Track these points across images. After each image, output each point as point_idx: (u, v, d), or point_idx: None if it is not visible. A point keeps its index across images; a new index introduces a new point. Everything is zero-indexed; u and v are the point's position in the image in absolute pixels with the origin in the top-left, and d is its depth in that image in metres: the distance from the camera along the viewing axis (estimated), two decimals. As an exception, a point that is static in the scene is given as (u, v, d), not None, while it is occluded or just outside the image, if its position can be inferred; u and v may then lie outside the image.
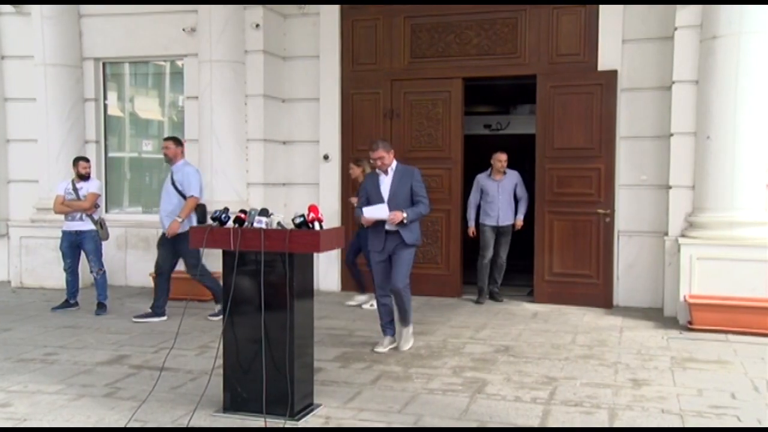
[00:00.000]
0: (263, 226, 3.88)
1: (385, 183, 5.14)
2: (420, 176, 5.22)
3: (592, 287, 7.42)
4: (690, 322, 6.14)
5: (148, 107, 9.31)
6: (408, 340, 5.42)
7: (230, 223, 3.99)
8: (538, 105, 7.61)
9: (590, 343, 5.73)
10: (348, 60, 8.30)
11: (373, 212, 5.06)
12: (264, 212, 3.99)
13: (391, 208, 5.07)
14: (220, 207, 4.24)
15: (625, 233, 7.38)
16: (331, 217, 7.89)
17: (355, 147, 8.33)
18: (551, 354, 5.36)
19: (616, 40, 7.26)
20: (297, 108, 8.43)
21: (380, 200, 5.11)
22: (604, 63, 7.32)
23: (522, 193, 7.53)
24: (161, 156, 9.04)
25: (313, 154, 8.25)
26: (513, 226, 7.27)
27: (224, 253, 3.99)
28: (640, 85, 7.23)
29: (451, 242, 8.02)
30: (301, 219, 3.87)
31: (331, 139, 8.33)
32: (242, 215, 3.97)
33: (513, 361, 5.15)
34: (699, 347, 5.54)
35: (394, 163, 5.20)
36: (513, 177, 7.31)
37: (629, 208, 7.33)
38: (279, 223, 3.93)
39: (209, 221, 4.07)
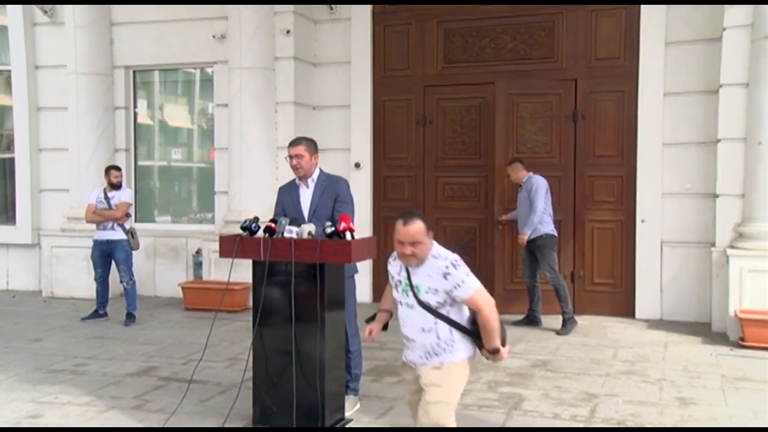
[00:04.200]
0: (294, 236, 3.88)
1: (306, 197, 4.43)
2: (347, 186, 4.49)
3: (628, 297, 7.33)
4: (742, 339, 5.97)
5: (177, 115, 9.39)
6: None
7: (260, 233, 4.01)
8: (576, 110, 7.57)
9: (632, 359, 5.61)
10: (379, 66, 8.32)
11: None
12: (294, 222, 3.99)
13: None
14: (250, 216, 4.22)
15: (668, 243, 7.26)
16: (362, 226, 7.75)
17: (386, 155, 8.36)
18: (591, 369, 5.25)
19: (659, 42, 7.17)
20: (328, 115, 8.45)
21: (298, 213, 4.42)
22: (645, 66, 7.25)
23: (532, 201, 6.85)
24: (191, 164, 9.28)
25: (344, 162, 8.24)
26: (540, 237, 6.78)
27: (254, 263, 4.00)
28: (684, 89, 7.14)
29: (486, 253, 7.95)
30: (332, 229, 3.86)
31: (363, 147, 8.34)
32: (272, 225, 3.97)
33: (551, 376, 5.06)
34: (753, 365, 5.34)
35: (317, 171, 4.46)
36: (526, 184, 6.99)
37: (673, 218, 7.22)
38: (310, 233, 3.94)
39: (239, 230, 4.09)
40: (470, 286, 3.05)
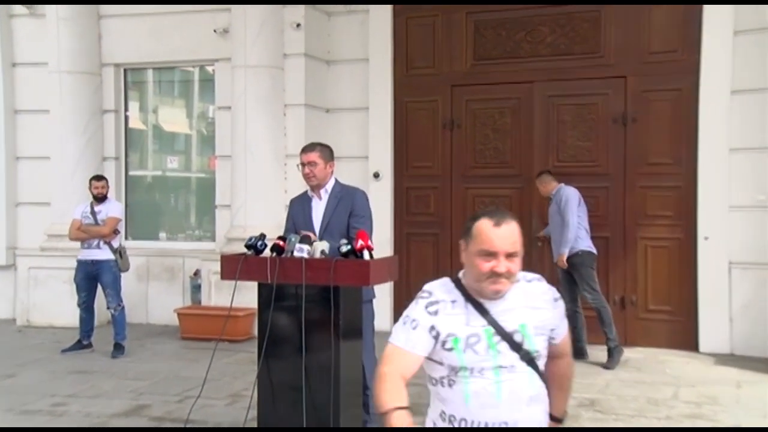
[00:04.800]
0: (305, 255, 3.89)
1: (318, 210, 4.53)
2: (365, 199, 4.58)
3: (689, 328, 7.23)
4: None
5: (173, 119, 9.47)
6: None
7: (267, 252, 4.02)
8: (626, 112, 7.54)
9: (698, 399, 5.49)
10: (401, 63, 8.36)
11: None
12: (305, 239, 3.99)
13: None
14: (256, 233, 4.20)
15: (738, 265, 7.10)
16: (382, 244, 7.69)
17: (409, 163, 8.36)
18: (647, 411, 5.15)
19: (725, 31, 7.06)
20: (343, 119, 8.49)
21: (309, 227, 4.49)
22: (708, 60, 7.16)
23: (563, 215, 6.83)
24: (189, 175, 9.32)
25: (361, 172, 8.26)
26: (576, 255, 6.75)
27: (260, 286, 4.00)
28: (755, 86, 7.01)
29: None
30: (348, 247, 3.86)
31: (382, 155, 8.37)
32: (281, 243, 3.98)
33: (600, 417, 4.98)
34: None
35: (332, 182, 4.58)
36: (555, 197, 7.00)
37: (743, 235, 7.06)
38: (323, 252, 3.94)
39: (244, 249, 4.07)
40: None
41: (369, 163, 8.37)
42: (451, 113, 8.20)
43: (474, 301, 2.24)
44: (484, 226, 2.20)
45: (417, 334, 2.25)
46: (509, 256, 2.18)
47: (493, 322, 2.21)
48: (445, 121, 8.23)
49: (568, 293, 6.90)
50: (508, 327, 2.21)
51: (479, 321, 2.22)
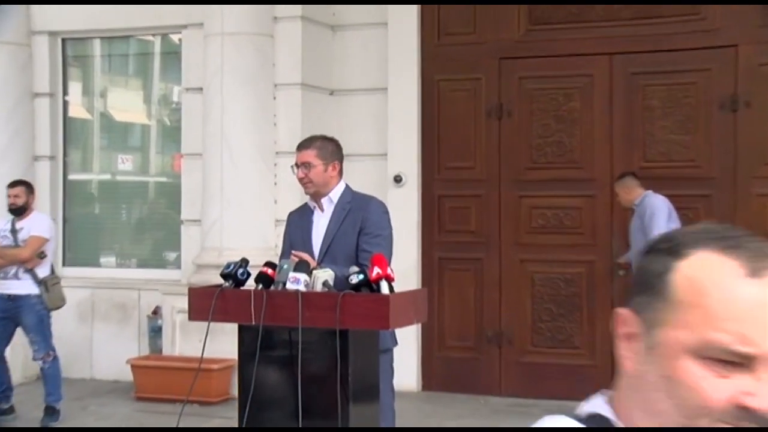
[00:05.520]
0: (301, 287, 3.90)
1: (319, 226, 4.61)
2: (382, 211, 4.67)
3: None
4: None
5: (127, 105, 9.51)
6: None
7: (251, 283, 4.07)
8: (737, 94, 7.51)
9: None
10: (431, 29, 8.35)
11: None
12: (302, 267, 3.99)
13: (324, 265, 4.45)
14: (235, 258, 4.31)
15: None
16: (406, 273, 7.53)
17: (442, 163, 8.34)
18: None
19: None
20: (353, 104, 8.49)
21: (306, 249, 4.51)
22: None
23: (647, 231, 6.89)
24: (146, 179, 9.34)
25: (377, 175, 8.22)
26: None
27: (241, 330, 4.04)
28: None
29: (597, 313, 7.91)
30: (361, 277, 3.87)
31: (406, 152, 8.34)
32: (268, 270, 4.03)
33: None
34: None
35: (339, 189, 4.66)
36: (639, 208, 7.07)
37: None
38: (326, 284, 3.96)
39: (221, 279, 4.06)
40: None
41: (388, 164, 8.36)
42: (498, 96, 8.18)
43: None
44: (721, 277, 1.18)
45: None
46: None
47: None
48: (490, 106, 8.20)
49: None
50: None
51: None
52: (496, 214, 8.24)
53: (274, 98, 8.23)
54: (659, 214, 6.81)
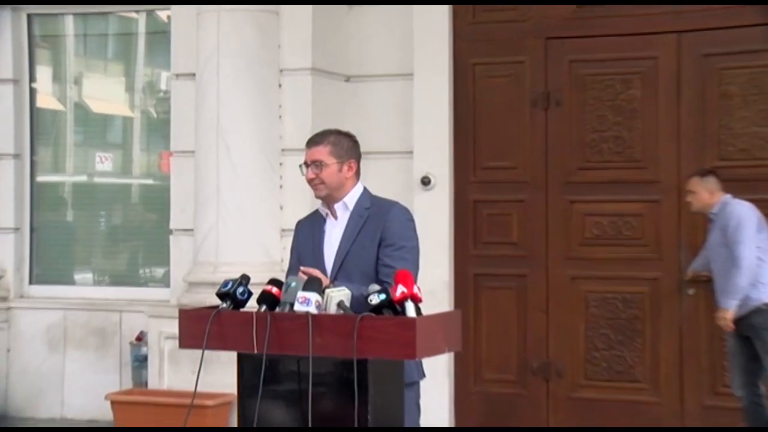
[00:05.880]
0: (312, 309, 3.82)
1: (332, 236, 4.65)
2: (407, 218, 4.67)
3: None
4: None
5: (106, 94, 9.55)
6: None
7: (252, 304, 4.01)
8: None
9: None
10: (465, 5, 8.34)
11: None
12: (313, 285, 3.92)
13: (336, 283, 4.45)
14: (234, 274, 4.25)
15: None
16: (436, 291, 7.80)
17: (478, 162, 8.36)
18: None
19: None
20: (372, 92, 8.50)
21: (317, 264, 4.55)
22: None
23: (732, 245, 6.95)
24: (129, 181, 9.36)
25: (401, 176, 8.29)
26: (757, 312, 6.84)
27: (241, 360, 3.99)
28: None
29: (661, 339, 7.91)
30: (382, 297, 3.78)
31: (436, 148, 8.34)
32: (273, 289, 3.97)
33: None
34: None
35: (356, 192, 4.68)
36: (719, 217, 7.05)
37: None
38: (341, 304, 3.90)
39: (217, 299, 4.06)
40: None
41: (414, 163, 8.35)
42: (545, 83, 8.20)
43: None
44: None
45: None
46: None
47: None
48: (535, 95, 8.20)
49: (740, 371, 7.02)
50: None
51: None
52: (543, 222, 8.25)
53: (280, 86, 8.24)
54: (746, 224, 6.80)
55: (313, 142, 4.60)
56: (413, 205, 8.12)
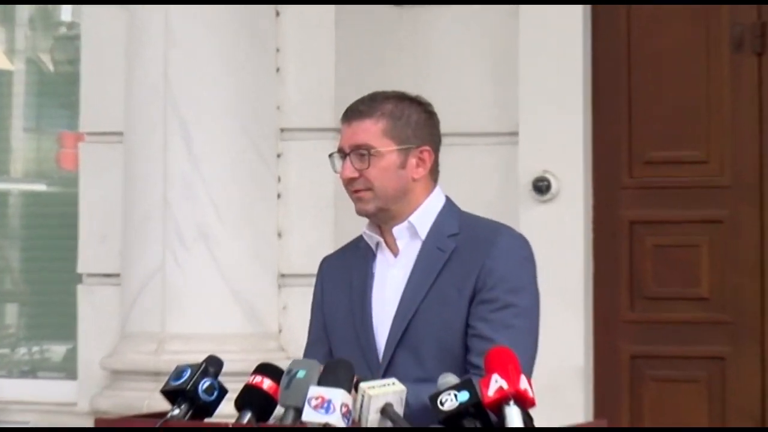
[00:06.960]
0: (335, 418, 3.66)
1: (389, 278, 4.69)
2: (522, 255, 4.67)
3: None
4: None
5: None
6: None
7: (227, 411, 3.98)
8: None
9: None
10: None
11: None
12: (337, 374, 3.84)
13: (393, 371, 4.43)
14: (193, 356, 4.28)
15: None
16: (560, 383, 7.87)
17: (637, 153, 8.40)
18: None
19: None
20: (446, 25, 8.64)
21: (362, 335, 4.66)
22: None
23: None
24: (8, 186, 10.08)
25: (496, 175, 8.50)
26: None
27: None
28: None
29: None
30: (465, 397, 3.61)
31: (559, 128, 8.39)
32: (265, 383, 3.93)
33: None
34: None
35: (435, 204, 4.69)
36: None
37: None
38: (388, 411, 3.81)
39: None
40: None
41: (519, 153, 8.39)
42: (757, 10, 8.20)
43: None
44: None
45: None
46: None
47: None
48: (742, 29, 8.18)
49: None
50: None
51: None
52: (757, 258, 8.16)
53: (277, 14, 8.23)
54: None
55: (355, 112, 4.55)
56: (519, 226, 7.85)
